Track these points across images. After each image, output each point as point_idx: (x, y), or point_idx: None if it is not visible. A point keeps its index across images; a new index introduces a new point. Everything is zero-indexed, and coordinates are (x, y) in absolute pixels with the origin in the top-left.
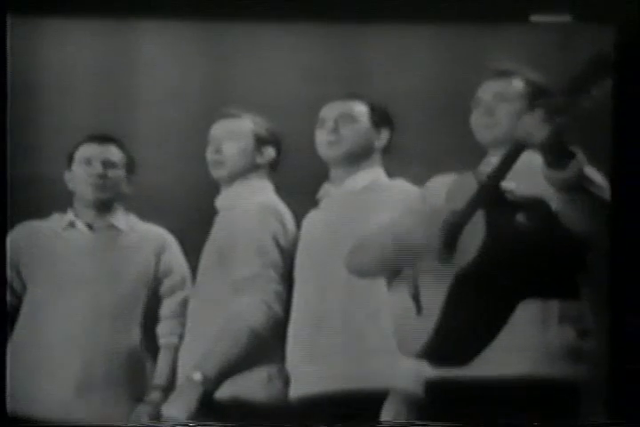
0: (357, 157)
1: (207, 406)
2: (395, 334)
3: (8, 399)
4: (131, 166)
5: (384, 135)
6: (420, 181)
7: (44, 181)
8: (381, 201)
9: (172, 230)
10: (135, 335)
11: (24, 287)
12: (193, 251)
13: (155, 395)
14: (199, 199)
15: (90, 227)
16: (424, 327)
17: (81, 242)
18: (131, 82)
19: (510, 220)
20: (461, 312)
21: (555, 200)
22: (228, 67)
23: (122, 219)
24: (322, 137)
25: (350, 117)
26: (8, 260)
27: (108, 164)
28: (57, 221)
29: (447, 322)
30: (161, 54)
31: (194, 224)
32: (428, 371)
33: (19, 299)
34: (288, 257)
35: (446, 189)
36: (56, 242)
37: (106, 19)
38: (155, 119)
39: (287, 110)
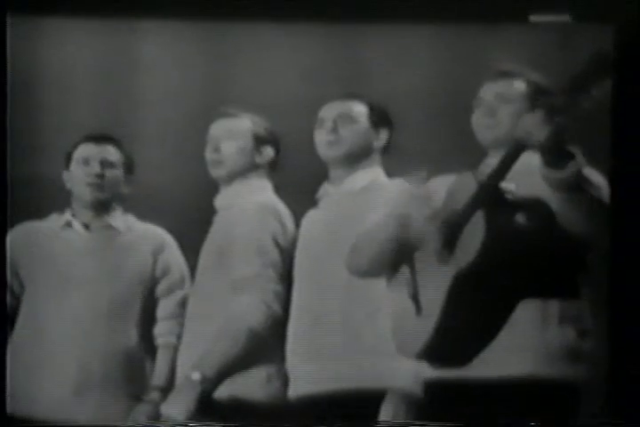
0: (356, 157)
1: (206, 405)
2: (394, 334)
3: (8, 399)
4: (129, 166)
5: (383, 135)
6: (419, 181)
7: (43, 181)
8: (381, 201)
9: (170, 230)
10: (134, 335)
11: (22, 288)
12: (192, 250)
13: (154, 395)
14: (198, 199)
15: (86, 227)
16: (423, 327)
17: (78, 242)
18: (130, 82)
19: (510, 220)
20: (461, 312)
21: (553, 200)
22: (227, 66)
23: (119, 219)
24: (321, 137)
25: (349, 117)
26: (8, 260)
27: (105, 163)
28: (55, 221)
29: (447, 322)
30: (160, 54)
31: (193, 224)
32: (427, 371)
33: (17, 299)
34: (287, 257)
35: (446, 189)
36: (54, 242)
37: (106, 19)
38: (154, 119)
39: (286, 110)
